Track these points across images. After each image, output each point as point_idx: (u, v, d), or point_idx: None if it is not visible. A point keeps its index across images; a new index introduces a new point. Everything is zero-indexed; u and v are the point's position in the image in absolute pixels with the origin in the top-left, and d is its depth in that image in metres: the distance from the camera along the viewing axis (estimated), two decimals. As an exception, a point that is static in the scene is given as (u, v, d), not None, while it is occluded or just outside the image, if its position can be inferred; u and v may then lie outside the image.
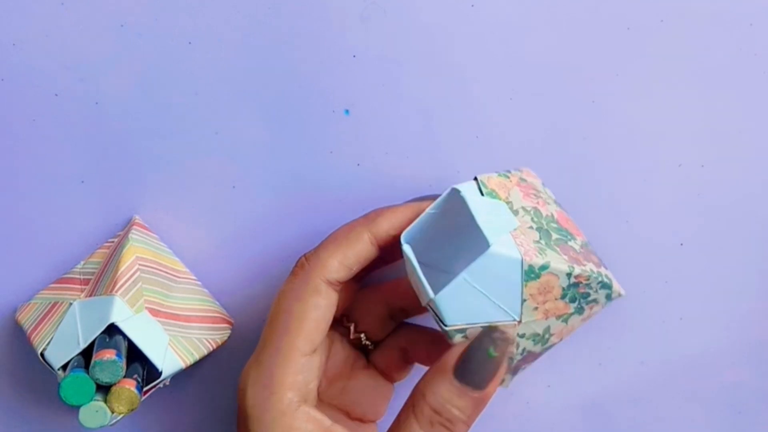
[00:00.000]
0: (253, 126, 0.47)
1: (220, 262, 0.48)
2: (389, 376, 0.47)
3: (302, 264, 0.42)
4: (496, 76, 0.46)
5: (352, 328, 0.46)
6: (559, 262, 0.38)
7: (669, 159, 0.47)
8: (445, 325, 0.38)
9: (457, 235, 0.41)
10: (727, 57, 0.46)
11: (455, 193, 0.40)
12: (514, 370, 0.42)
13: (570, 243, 0.40)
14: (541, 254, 0.38)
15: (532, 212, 0.40)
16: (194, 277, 0.47)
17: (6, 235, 0.47)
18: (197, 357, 0.44)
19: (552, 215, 0.41)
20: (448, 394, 0.38)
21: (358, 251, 0.41)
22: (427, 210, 0.41)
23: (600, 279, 0.40)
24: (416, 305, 0.44)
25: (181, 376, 0.47)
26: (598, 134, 0.47)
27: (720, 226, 0.47)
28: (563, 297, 0.39)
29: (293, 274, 0.42)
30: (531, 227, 0.39)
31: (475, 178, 0.41)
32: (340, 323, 0.46)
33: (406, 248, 0.40)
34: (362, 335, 0.46)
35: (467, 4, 0.46)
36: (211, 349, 0.46)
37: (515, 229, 0.38)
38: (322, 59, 0.46)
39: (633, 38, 0.46)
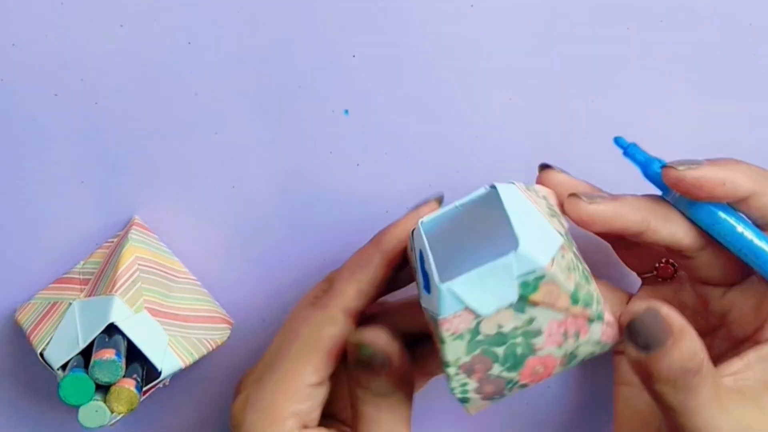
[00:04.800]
0: (253, 126, 0.47)
1: (220, 262, 0.48)
2: None
3: (319, 294, 0.41)
4: (496, 76, 0.46)
5: None
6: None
7: (668, 159, 0.47)
8: (438, 315, 0.35)
9: (480, 234, 0.38)
10: (726, 57, 0.46)
11: (492, 191, 0.37)
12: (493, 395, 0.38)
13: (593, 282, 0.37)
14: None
15: (565, 234, 0.37)
16: (194, 277, 0.47)
17: (6, 235, 0.47)
18: (197, 357, 0.44)
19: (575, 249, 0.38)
20: None
21: (372, 275, 0.40)
22: (454, 204, 0.39)
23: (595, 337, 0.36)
24: (425, 328, 0.45)
25: (181, 376, 0.47)
26: (598, 134, 0.47)
27: (720, 226, 0.47)
28: None
29: (312, 305, 0.41)
30: (568, 252, 0.36)
31: (512, 183, 0.39)
32: None
33: (419, 229, 0.38)
34: None
35: (467, 4, 0.46)
36: (211, 349, 0.46)
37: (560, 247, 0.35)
38: (322, 59, 0.46)
39: (633, 38, 0.46)
